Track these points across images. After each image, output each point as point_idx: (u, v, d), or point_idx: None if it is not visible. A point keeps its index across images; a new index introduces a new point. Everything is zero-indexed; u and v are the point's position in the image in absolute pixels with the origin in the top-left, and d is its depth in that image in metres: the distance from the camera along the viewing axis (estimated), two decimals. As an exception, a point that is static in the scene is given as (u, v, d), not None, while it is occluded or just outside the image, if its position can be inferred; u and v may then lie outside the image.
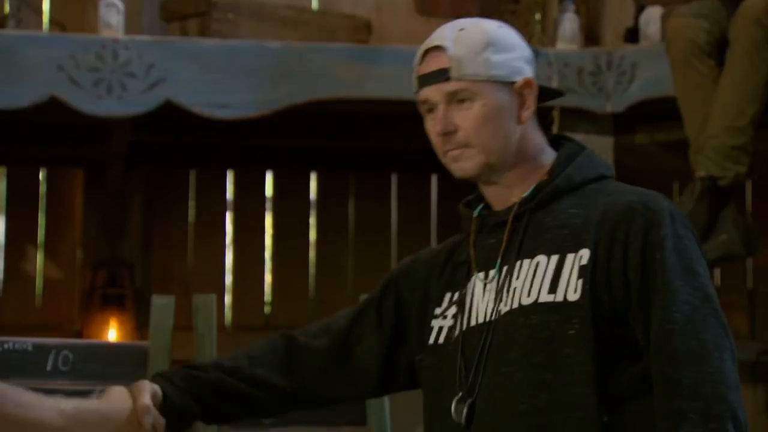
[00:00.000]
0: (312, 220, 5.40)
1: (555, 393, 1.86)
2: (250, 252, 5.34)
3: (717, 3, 3.86)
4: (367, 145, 5.15)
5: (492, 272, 1.97)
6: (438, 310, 2.04)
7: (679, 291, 1.87)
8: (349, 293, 5.14)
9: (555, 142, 2.04)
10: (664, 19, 4.07)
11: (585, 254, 1.91)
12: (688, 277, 1.88)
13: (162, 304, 2.91)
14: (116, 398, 1.98)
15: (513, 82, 1.98)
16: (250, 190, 5.37)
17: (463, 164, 2.00)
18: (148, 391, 1.98)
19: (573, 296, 1.89)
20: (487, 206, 2.04)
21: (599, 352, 1.87)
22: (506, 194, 2.00)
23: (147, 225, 5.29)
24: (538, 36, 4.47)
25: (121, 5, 4.15)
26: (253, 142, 5.00)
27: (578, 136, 4.20)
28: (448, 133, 1.99)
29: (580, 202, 1.96)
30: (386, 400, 2.87)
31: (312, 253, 5.38)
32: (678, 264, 1.89)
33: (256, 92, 4.06)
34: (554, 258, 1.93)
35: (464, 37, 1.99)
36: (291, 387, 2.09)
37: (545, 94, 2.05)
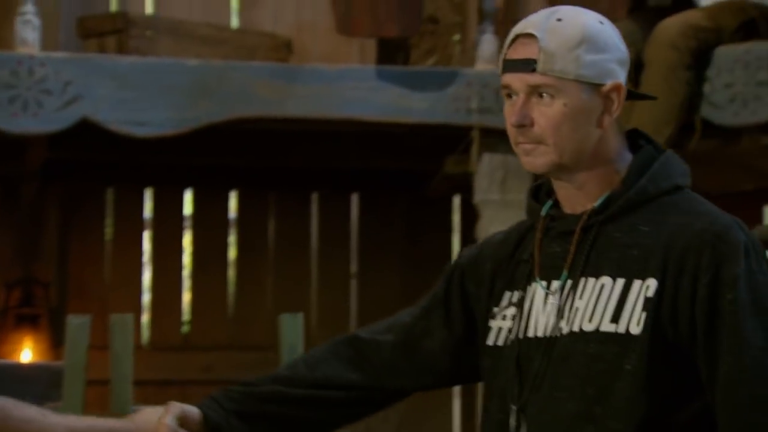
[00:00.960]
0: (231, 239, 5.36)
1: (601, 428, 1.82)
2: (168, 270, 5.30)
3: (632, 26, 3.92)
4: (287, 164, 5.14)
5: (555, 284, 1.90)
6: (496, 309, 1.97)
7: (750, 334, 1.80)
8: (269, 312, 5.11)
9: (633, 141, 1.96)
10: (582, 41, 4.12)
11: (652, 285, 1.84)
12: (761, 317, 1.81)
13: (77, 324, 2.87)
14: (140, 418, 1.97)
15: (601, 85, 1.89)
16: (168, 207, 5.33)
17: (533, 160, 1.91)
18: (175, 412, 1.95)
19: (635, 329, 1.82)
20: (556, 203, 1.96)
21: (655, 389, 1.81)
22: (578, 197, 1.92)
23: (63, 243, 5.22)
24: (458, 56, 4.51)
25: (37, 21, 4.10)
26: (171, 160, 4.97)
27: (497, 157, 4.26)
28: (522, 126, 1.90)
29: (653, 218, 1.88)
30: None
31: (231, 272, 5.35)
32: (750, 304, 1.81)
33: (175, 110, 4.03)
34: (620, 282, 1.86)
35: (560, 29, 1.89)
36: (357, 381, 2.05)
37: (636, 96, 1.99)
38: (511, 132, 1.94)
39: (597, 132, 1.91)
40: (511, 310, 1.96)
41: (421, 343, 2.05)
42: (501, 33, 4.53)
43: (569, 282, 1.89)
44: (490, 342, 1.97)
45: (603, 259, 1.88)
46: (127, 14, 4.32)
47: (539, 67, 1.88)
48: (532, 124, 1.90)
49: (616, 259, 1.87)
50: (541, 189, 2.00)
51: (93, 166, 5.10)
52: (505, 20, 4.67)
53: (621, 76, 1.91)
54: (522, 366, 1.91)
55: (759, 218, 5.34)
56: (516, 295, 1.96)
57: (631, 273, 1.86)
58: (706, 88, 3.88)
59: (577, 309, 1.88)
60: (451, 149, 4.34)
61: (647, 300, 1.83)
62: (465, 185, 4.48)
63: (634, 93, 2.00)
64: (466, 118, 4.15)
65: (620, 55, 1.92)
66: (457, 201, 5.43)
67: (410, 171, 5.18)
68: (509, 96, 1.93)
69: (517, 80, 1.91)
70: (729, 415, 1.80)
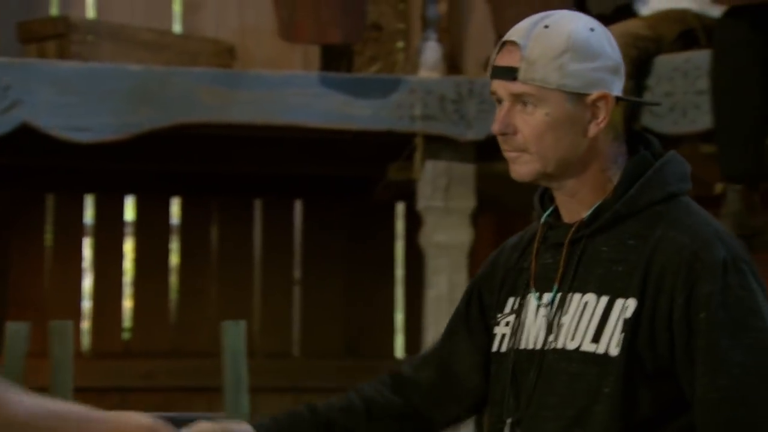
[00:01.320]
0: (173, 245, 5.33)
1: None
2: (109, 277, 5.25)
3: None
4: (230, 170, 5.12)
5: (546, 296, 1.89)
6: (500, 316, 1.96)
7: (726, 353, 1.77)
8: (212, 319, 5.08)
9: (637, 142, 1.92)
10: (524, 49, 4.15)
11: (631, 305, 1.82)
12: (739, 334, 1.77)
13: (16, 330, 2.84)
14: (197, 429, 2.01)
15: (587, 94, 1.87)
16: (109, 214, 5.28)
17: (518, 168, 1.89)
18: (221, 427, 1.99)
19: (614, 351, 1.81)
20: (557, 211, 1.94)
21: (632, 413, 1.80)
22: (572, 204, 1.91)
23: (2, 249, 5.16)
24: (401, 64, 4.52)
25: (-24, 25, 4.05)
26: (113, 166, 4.93)
27: (440, 164, 4.27)
28: (505, 134, 1.88)
29: (640, 232, 1.85)
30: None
31: (173, 279, 5.32)
32: (726, 322, 1.77)
33: (116, 116, 4.00)
34: (603, 300, 1.84)
35: (544, 36, 1.87)
36: (408, 411, 2.03)
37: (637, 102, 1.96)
38: (498, 139, 1.92)
39: (585, 141, 1.88)
40: (511, 318, 1.95)
41: (453, 370, 2.03)
42: (444, 40, 4.55)
43: (559, 296, 1.89)
44: (494, 348, 1.96)
45: (589, 274, 1.87)
46: (69, 19, 4.28)
47: (520, 75, 1.87)
48: (515, 133, 1.89)
49: (601, 275, 1.86)
50: (546, 193, 1.98)
51: (33, 172, 5.05)
52: (448, 28, 4.69)
53: (610, 85, 1.89)
54: (518, 377, 1.90)
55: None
56: (516, 303, 1.95)
57: (614, 291, 1.85)
58: (646, 96, 3.92)
59: (562, 325, 1.87)
60: (395, 156, 4.34)
61: (626, 321, 1.82)
62: (408, 192, 4.49)
63: (625, 99, 1.97)
64: (409, 125, 4.16)
65: (610, 63, 1.90)
66: (400, 208, 5.43)
67: (354, 177, 5.18)
68: (498, 102, 1.92)
69: (501, 88, 1.90)
70: None
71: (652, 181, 1.88)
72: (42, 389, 2.92)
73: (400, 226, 5.46)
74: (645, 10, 4.04)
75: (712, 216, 1.92)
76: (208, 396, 5.09)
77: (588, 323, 1.85)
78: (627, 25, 3.90)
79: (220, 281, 5.32)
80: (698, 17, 3.97)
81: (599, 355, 1.82)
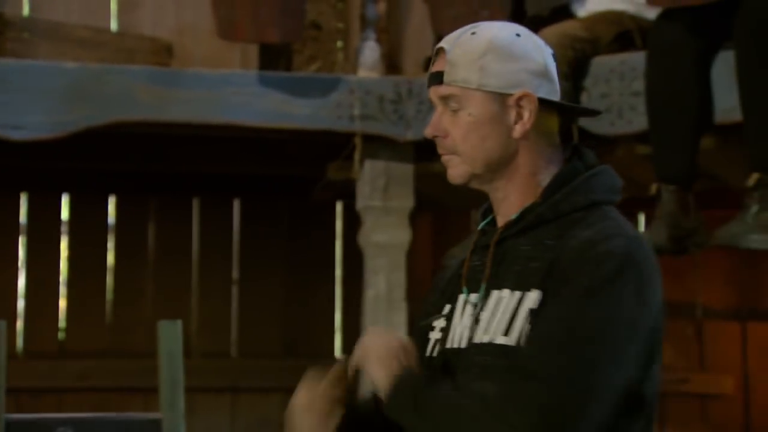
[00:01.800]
0: (110, 245, 5.29)
1: None
2: (44, 276, 5.20)
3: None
4: (167, 169, 5.09)
5: (474, 296, 1.94)
6: (434, 322, 2.01)
7: (556, 312, 1.83)
8: (148, 319, 5.05)
9: (573, 154, 1.97)
10: (463, 49, 4.17)
11: (536, 297, 1.87)
12: (582, 307, 1.82)
13: (-52, 332, 2.80)
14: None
15: (509, 95, 1.92)
16: (44, 212, 5.23)
17: (450, 171, 1.95)
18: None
19: (523, 342, 1.85)
20: (494, 219, 2.00)
21: None
22: (504, 208, 1.96)
23: (-66, 249, 5.10)
24: (340, 63, 4.52)
25: None
26: (48, 164, 4.88)
27: (379, 164, 4.28)
28: (436, 137, 1.94)
29: (560, 232, 1.89)
30: (182, 428, 2.84)
31: (109, 278, 5.28)
32: (578, 295, 1.83)
33: (51, 114, 3.96)
34: (516, 295, 1.89)
35: (468, 41, 1.93)
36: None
37: (575, 110, 2.02)
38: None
39: (513, 142, 1.93)
40: (441, 322, 1.99)
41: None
42: (383, 40, 4.56)
43: (482, 294, 1.94)
44: (427, 353, 2.00)
45: (508, 272, 1.92)
46: (3, 15, 4.23)
47: (445, 78, 1.93)
48: (445, 136, 1.94)
49: (518, 271, 1.91)
50: (489, 207, 2.03)
51: (-33, 170, 4.99)
52: (387, 28, 4.69)
53: (535, 87, 1.93)
54: (448, 376, 1.93)
55: (634, 226, 5.45)
56: (448, 307, 2.00)
57: (527, 285, 1.89)
58: (583, 97, 3.95)
59: (481, 321, 1.92)
60: (334, 156, 4.34)
61: (530, 312, 1.87)
62: (348, 192, 4.49)
63: (570, 107, 2.04)
64: (348, 124, 4.16)
65: (534, 66, 1.93)
66: (339, 207, 5.44)
67: (293, 177, 5.17)
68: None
69: (432, 93, 1.96)
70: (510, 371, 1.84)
71: (578, 188, 1.93)
72: (-25, 390, 2.88)
73: (339, 225, 5.46)
74: (582, 11, 4.07)
75: (630, 225, 1.96)
76: (144, 396, 5.06)
77: (501, 317, 1.90)
78: (564, 27, 3.93)
79: (157, 281, 5.29)
80: (634, 19, 4.01)
81: (509, 347, 1.87)
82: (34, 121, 3.95)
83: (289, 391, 6.01)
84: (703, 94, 3.67)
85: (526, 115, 1.92)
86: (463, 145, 1.93)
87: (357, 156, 4.20)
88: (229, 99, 4.07)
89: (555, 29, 3.89)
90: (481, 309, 1.93)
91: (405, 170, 4.30)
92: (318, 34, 4.53)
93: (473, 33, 1.94)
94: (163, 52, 4.54)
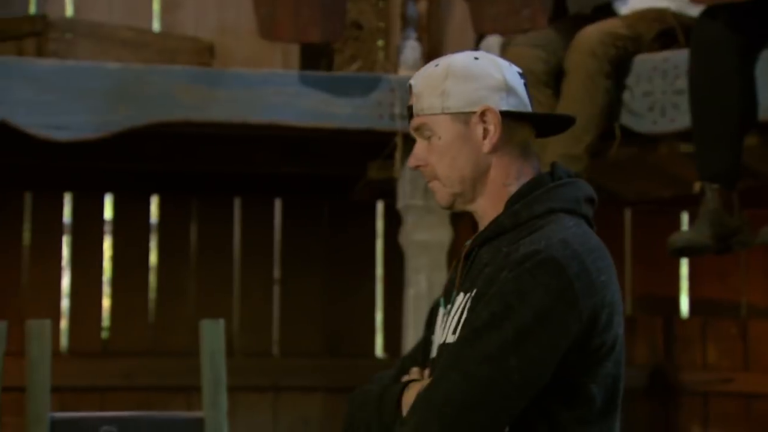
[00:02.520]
0: (153, 244, 5.32)
1: None
2: (88, 276, 5.24)
3: (553, 33, 3.96)
4: (209, 169, 5.11)
5: (448, 306, 2.03)
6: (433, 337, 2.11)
7: (473, 316, 1.90)
8: (191, 318, 5.08)
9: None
10: (504, 48, 4.16)
11: (473, 294, 1.95)
12: (496, 312, 1.87)
13: (-7, 330, 2.83)
14: None
15: (472, 112, 2.00)
16: (88, 212, 5.27)
17: (436, 196, 2.06)
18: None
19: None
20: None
21: None
22: (483, 223, 2.05)
23: (-20, 248, 5.15)
24: (381, 63, 4.51)
25: (-46, 22, 4.03)
26: (92, 164, 4.91)
27: (420, 162, 4.27)
28: (420, 167, 2.05)
29: (516, 239, 1.96)
30: (224, 427, 2.84)
31: (152, 278, 5.30)
32: (495, 297, 1.89)
33: (95, 114, 3.99)
34: (466, 297, 1.97)
35: (431, 72, 2.04)
36: None
37: (548, 117, 2.07)
38: None
39: (484, 157, 2.01)
40: (431, 338, 2.10)
41: None
42: (424, 39, 4.55)
43: (451, 303, 2.02)
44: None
45: (467, 279, 2.00)
46: (46, 16, 4.26)
47: (414, 110, 2.04)
48: (426, 165, 2.05)
49: (474, 277, 1.98)
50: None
51: (11, 171, 5.03)
52: (428, 26, 4.69)
53: (496, 101, 2.00)
54: None
55: (677, 225, 5.42)
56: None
57: (475, 287, 1.96)
58: (626, 96, 3.92)
59: (446, 327, 2.00)
60: (375, 155, 4.34)
61: (468, 309, 1.95)
62: (388, 191, 4.49)
63: (542, 114, 2.10)
64: (389, 123, 4.16)
65: (493, 82, 2.01)
66: (380, 207, 5.43)
67: (334, 176, 5.18)
68: None
69: (409, 128, 2.07)
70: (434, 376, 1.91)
71: (539, 198, 2.00)
72: (20, 389, 2.91)
73: (380, 224, 5.46)
74: (624, 9, 4.05)
75: (585, 232, 1.97)
76: (186, 395, 5.08)
77: (453, 318, 1.97)
78: (606, 25, 3.91)
79: (199, 280, 5.31)
80: (677, 16, 3.99)
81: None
82: (77, 121, 3.97)
83: (330, 389, 6.04)
84: (746, 91, 3.64)
85: (491, 128, 2.00)
86: (439, 169, 2.02)
87: (398, 155, 4.19)
88: (270, 99, 4.08)
89: (597, 27, 3.87)
90: (448, 316, 2.00)
91: (446, 169, 4.29)
92: (359, 34, 4.53)
93: (436, 65, 2.04)
94: (204, 53, 4.56)
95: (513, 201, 2.00)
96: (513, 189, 2.01)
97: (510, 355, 1.84)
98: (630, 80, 3.92)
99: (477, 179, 2.01)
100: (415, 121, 2.04)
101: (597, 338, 1.91)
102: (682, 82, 3.79)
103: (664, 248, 3.70)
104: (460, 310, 1.97)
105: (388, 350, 5.37)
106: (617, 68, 3.87)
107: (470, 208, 2.04)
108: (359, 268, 5.42)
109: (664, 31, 3.97)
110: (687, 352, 5.47)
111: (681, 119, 3.83)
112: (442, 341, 1.99)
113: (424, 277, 4.22)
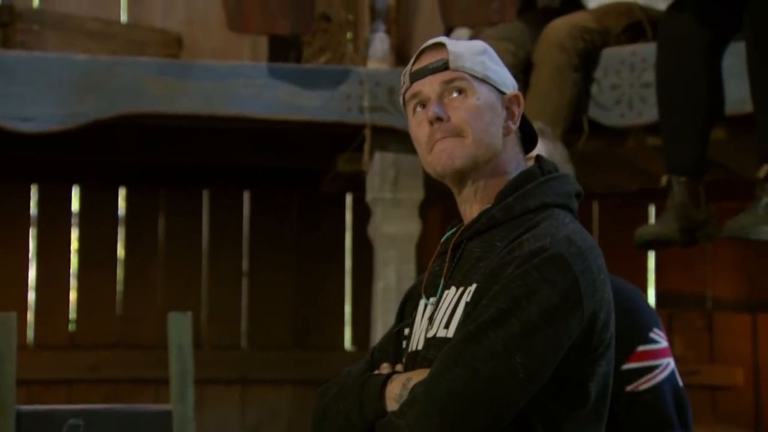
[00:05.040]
0: (120, 236, 5.30)
1: None
2: (55, 268, 5.21)
3: (522, 26, 3.97)
4: (177, 161, 5.09)
5: (432, 300, 1.99)
6: (406, 330, 2.07)
7: (479, 312, 1.88)
8: (159, 311, 5.06)
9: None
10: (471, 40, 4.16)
11: (473, 289, 1.92)
12: (505, 308, 1.85)
13: (-41, 323, 2.81)
14: None
15: (504, 93, 2.00)
16: (55, 204, 5.24)
17: (453, 152, 1.95)
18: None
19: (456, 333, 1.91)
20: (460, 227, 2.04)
21: None
22: (471, 212, 2.01)
23: (-54, 240, 5.11)
24: (350, 55, 4.51)
25: None
26: (59, 156, 4.89)
27: (389, 156, 4.27)
28: (440, 119, 1.96)
29: (511, 233, 1.93)
30: (192, 419, 2.84)
31: (120, 270, 5.28)
32: (502, 294, 1.86)
33: (62, 106, 3.96)
34: (459, 291, 1.94)
35: (462, 42, 2.02)
36: None
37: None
38: (423, 134, 1.99)
39: (502, 140, 1.99)
40: (408, 330, 2.05)
41: None
42: (393, 32, 4.55)
43: (438, 296, 1.99)
44: (401, 364, 2.04)
45: (459, 273, 1.97)
46: (13, 7, 4.23)
47: (451, 64, 1.97)
48: (448, 119, 1.96)
49: (466, 271, 1.95)
50: (455, 224, 2.07)
51: (-23, 162, 5.00)
52: (397, 19, 4.69)
53: (517, 91, 2.03)
54: None
55: (645, 218, 5.44)
56: (414, 314, 2.05)
57: (470, 282, 1.94)
58: (593, 89, 3.94)
59: (433, 320, 1.97)
60: (344, 147, 4.34)
61: (466, 304, 1.92)
62: (357, 183, 4.49)
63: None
64: (358, 116, 4.16)
65: (510, 76, 2.04)
66: (349, 199, 5.43)
67: (303, 169, 5.17)
68: (421, 106, 1.99)
69: (427, 84, 1.98)
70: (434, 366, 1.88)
71: (531, 192, 1.97)
72: (-14, 382, 2.88)
73: (348, 217, 5.46)
74: (592, 3, 4.06)
75: (581, 229, 1.97)
76: (154, 387, 5.07)
77: (445, 312, 1.95)
78: (574, 18, 3.92)
79: (167, 272, 5.30)
80: (644, 10, 4.00)
81: (448, 339, 1.92)
82: (44, 113, 3.95)
83: (298, 382, 6.05)
84: (713, 85, 3.66)
85: (515, 115, 2.00)
86: (472, 126, 1.95)
87: (367, 148, 4.19)
88: (238, 91, 4.07)
89: (565, 20, 3.89)
90: (435, 309, 1.97)
91: (415, 162, 4.29)
92: (327, 26, 4.53)
93: (459, 40, 2.04)
94: (172, 44, 4.54)
95: (504, 194, 1.97)
96: (508, 177, 1.99)
97: (516, 352, 1.83)
98: (598, 73, 3.94)
99: (496, 152, 1.98)
100: (449, 74, 1.96)
101: (596, 337, 1.91)
102: (650, 76, 3.81)
103: (631, 241, 3.71)
104: (453, 303, 1.94)
105: (356, 343, 5.37)
106: (585, 61, 3.89)
107: (470, 182, 1.98)
108: (328, 260, 5.42)
109: (632, 24, 3.99)
110: (654, 344, 5.50)
111: (648, 112, 3.85)
112: (432, 334, 1.95)
113: (393, 270, 4.23)
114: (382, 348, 2.12)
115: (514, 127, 1.99)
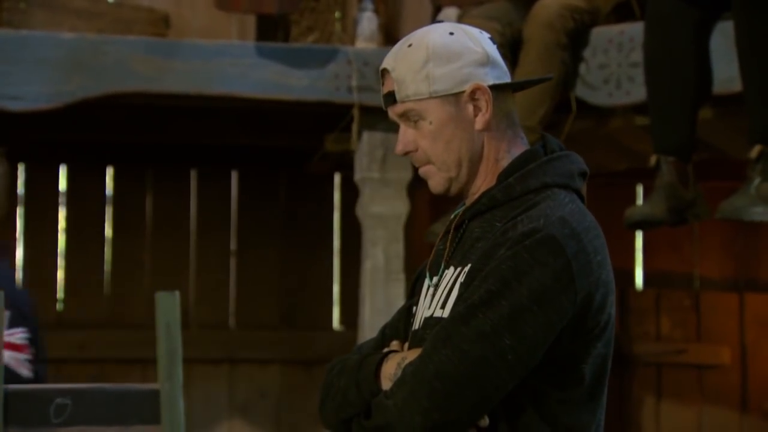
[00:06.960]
0: (108, 215, 5.29)
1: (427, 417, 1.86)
2: (42, 248, 5.21)
3: (509, 5, 3.96)
4: (165, 140, 5.08)
5: (435, 279, 2.00)
6: (414, 308, 2.07)
7: (471, 293, 1.88)
8: (146, 290, 5.06)
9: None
10: (460, 20, 4.15)
11: (467, 269, 1.92)
12: (496, 290, 1.85)
13: (-54, 303, 2.80)
14: None
15: (461, 92, 1.96)
16: (42, 184, 5.23)
17: (431, 182, 2.01)
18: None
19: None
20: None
21: None
22: (477, 191, 2.01)
23: (-68, 220, 5.10)
24: (338, 34, 4.50)
25: None
26: (46, 136, 4.87)
27: (377, 135, 4.27)
28: (409, 152, 2.00)
29: (510, 214, 1.93)
30: (180, 399, 2.84)
31: (107, 250, 5.28)
32: (493, 275, 1.87)
33: (49, 84, 3.95)
34: (457, 271, 1.94)
35: (408, 55, 1.98)
36: None
37: (530, 81, 2.06)
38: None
39: (480, 135, 1.98)
40: (413, 308, 2.06)
41: None
42: (381, 11, 4.54)
43: (440, 275, 1.99)
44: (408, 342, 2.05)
45: (458, 252, 1.97)
46: (0, -15, 4.21)
47: (397, 96, 1.98)
48: (416, 149, 2.00)
49: (465, 251, 1.96)
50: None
51: (-36, 141, 4.98)
52: (385, -2, 4.68)
53: (482, 76, 1.97)
54: None
55: (632, 197, 5.46)
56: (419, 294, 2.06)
57: (467, 262, 1.94)
58: (582, 68, 3.94)
59: (433, 300, 1.98)
60: (332, 127, 4.34)
61: (461, 285, 1.93)
62: (346, 163, 4.49)
63: (515, 83, 2.04)
64: (346, 96, 4.15)
65: (476, 56, 1.98)
66: (337, 179, 5.43)
67: (290, 148, 5.16)
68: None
69: (390, 114, 2.02)
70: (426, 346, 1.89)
71: (533, 172, 1.97)
72: (-27, 361, 2.88)
73: (337, 197, 5.46)
74: (581, -18, 4.05)
75: (580, 210, 1.96)
76: (142, 367, 5.07)
77: (442, 292, 1.96)
78: (546, 6, 3.91)
79: (154, 252, 5.29)
80: (633, -10, 4.00)
81: (442, 319, 1.92)
82: (31, 92, 3.94)
83: (287, 362, 6.04)
84: (701, 64, 3.66)
85: (483, 106, 1.97)
86: (433, 154, 1.98)
87: (355, 127, 4.19)
88: (226, 70, 4.06)
89: (556, 0, 3.88)
90: (436, 289, 1.98)
91: (403, 141, 4.29)
92: (315, 5, 4.51)
93: (409, 45, 1.98)
94: (160, 23, 4.52)
95: (506, 174, 1.96)
96: (505, 163, 1.98)
97: (504, 334, 1.83)
98: (586, 53, 3.94)
99: (473, 159, 1.97)
100: (399, 108, 1.98)
101: (591, 319, 1.90)
102: (638, 55, 3.81)
103: (620, 221, 3.72)
104: (450, 284, 1.94)
105: (344, 322, 5.38)
106: (574, 40, 3.89)
107: (466, 189, 2.00)
108: (316, 240, 5.42)
109: (621, 4, 3.98)
110: (641, 323, 5.52)
111: (636, 92, 3.85)
112: (429, 314, 1.96)
113: (381, 250, 4.23)
114: (393, 325, 2.11)
115: (485, 118, 1.97)
